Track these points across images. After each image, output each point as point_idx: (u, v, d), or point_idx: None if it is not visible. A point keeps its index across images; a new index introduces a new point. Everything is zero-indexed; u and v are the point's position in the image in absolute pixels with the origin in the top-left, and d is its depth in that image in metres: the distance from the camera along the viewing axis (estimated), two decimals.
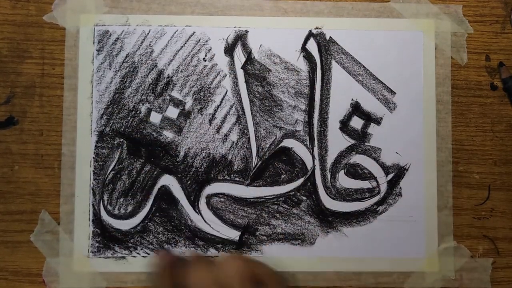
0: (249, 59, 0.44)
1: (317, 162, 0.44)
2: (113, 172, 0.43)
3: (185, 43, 0.44)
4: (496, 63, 0.45)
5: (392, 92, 0.45)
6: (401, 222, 0.44)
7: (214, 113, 0.44)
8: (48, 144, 0.44)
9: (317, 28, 0.45)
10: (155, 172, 0.44)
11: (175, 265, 0.38)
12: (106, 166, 0.43)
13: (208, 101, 0.44)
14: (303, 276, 0.43)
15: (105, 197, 0.43)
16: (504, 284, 0.44)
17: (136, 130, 0.44)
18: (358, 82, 0.45)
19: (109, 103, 0.44)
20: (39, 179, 0.43)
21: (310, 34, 0.45)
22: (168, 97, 0.44)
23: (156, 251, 0.43)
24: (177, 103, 0.44)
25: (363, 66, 0.45)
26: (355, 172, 0.44)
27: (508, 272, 0.44)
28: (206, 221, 0.43)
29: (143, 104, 0.44)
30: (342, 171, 0.44)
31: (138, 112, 0.44)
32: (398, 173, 0.44)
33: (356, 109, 0.44)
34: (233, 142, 0.44)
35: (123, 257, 0.43)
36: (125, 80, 0.44)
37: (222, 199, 0.44)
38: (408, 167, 0.44)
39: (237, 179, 0.44)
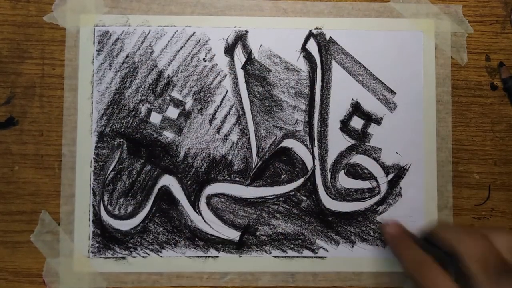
0: (249, 59, 0.44)
1: (317, 162, 0.44)
2: (113, 172, 0.43)
3: (185, 43, 0.44)
4: (496, 63, 0.45)
5: (392, 92, 0.45)
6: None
7: (214, 113, 0.44)
8: (48, 144, 0.44)
9: (317, 28, 0.45)
10: (155, 173, 0.44)
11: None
12: (106, 166, 0.43)
13: (208, 101, 0.44)
14: (303, 276, 0.43)
15: (105, 198, 0.43)
16: None
17: (136, 131, 0.44)
18: (358, 82, 0.45)
19: (109, 103, 0.44)
20: (39, 179, 0.43)
21: (310, 34, 0.45)
22: (168, 98, 0.44)
23: (383, 224, 0.42)
24: (177, 104, 0.44)
25: (363, 66, 0.45)
26: (355, 172, 0.44)
27: None
28: (206, 221, 0.43)
29: (143, 105, 0.44)
30: (342, 171, 0.44)
31: (138, 113, 0.44)
32: (398, 173, 0.44)
33: (356, 109, 0.44)
34: (233, 142, 0.44)
35: (123, 258, 0.43)
36: (125, 80, 0.44)
37: (222, 199, 0.44)
38: (408, 167, 0.44)
39: (237, 179, 0.44)
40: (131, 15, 0.44)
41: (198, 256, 0.43)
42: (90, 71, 0.44)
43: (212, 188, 0.44)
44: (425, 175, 0.44)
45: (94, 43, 0.44)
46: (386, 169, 0.44)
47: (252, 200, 0.44)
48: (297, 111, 0.44)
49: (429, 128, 0.44)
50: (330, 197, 0.44)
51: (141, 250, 0.43)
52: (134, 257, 0.43)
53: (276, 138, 0.44)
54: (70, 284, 0.43)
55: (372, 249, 0.44)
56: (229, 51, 0.44)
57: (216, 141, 0.44)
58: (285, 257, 0.43)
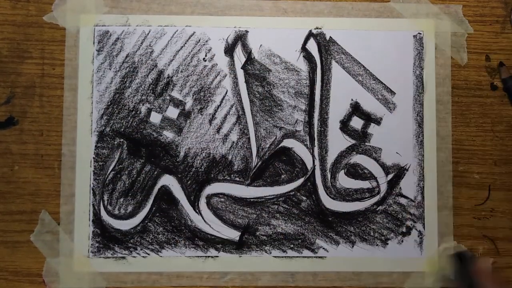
0: (249, 59, 0.44)
1: (317, 162, 0.44)
2: (113, 172, 0.43)
3: (185, 43, 0.44)
4: (496, 63, 0.45)
5: (392, 92, 0.45)
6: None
7: (214, 113, 0.44)
8: (48, 144, 0.44)
9: (317, 28, 0.45)
10: (155, 172, 0.44)
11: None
12: (106, 166, 0.43)
13: (208, 101, 0.44)
14: (303, 276, 0.43)
15: (105, 197, 0.43)
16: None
17: (136, 130, 0.44)
18: (358, 82, 0.45)
19: (109, 103, 0.44)
20: (39, 179, 0.43)
21: (310, 34, 0.45)
22: (168, 97, 0.44)
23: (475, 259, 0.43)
24: (177, 103, 0.44)
25: (363, 66, 0.45)
26: (355, 172, 0.44)
27: (508, 272, 0.44)
28: (206, 221, 0.43)
29: (143, 104, 0.44)
30: (342, 171, 0.44)
31: (138, 112, 0.44)
32: (398, 173, 0.44)
33: (356, 109, 0.44)
34: (233, 142, 0.44)
35: (123, 257, 0.43)
36: (125, 80, 0.44)
37: (222, 199, 0.44)
38: (408, 167, 0.44)
39: (237, 179, 0.44)
40: (131, 15, 0.44)
41: (198, 256, 0.43)
42: (90, 71, 0.44)
43: (212, 188, 0.44)
44: (425, 175, 0.44)
45: (94, 43, 0.44)
46: (386, 169, 0.44)
47: (252, 200, 0.44)
48: (297, 111, 0.44)
49: (429, 128, 0.44)
50: (330, 197, 0.44)
51: (141, 250, 0.43)
52: (134, 257, 0.43)
53: (276, 138, 0.44)
54: (70, 283, 0.43)
55: (372, 249, 0.44)
56: (229, 51, 0.44)
57: (216, 141, 0.44)
58: (285, 257, 0.43)
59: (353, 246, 0.44)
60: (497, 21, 0.45)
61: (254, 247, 0.43)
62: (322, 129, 0.44)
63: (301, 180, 0.44)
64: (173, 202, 0.44)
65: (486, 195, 0.44)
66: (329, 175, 0.44)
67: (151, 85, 0.44)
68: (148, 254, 0.43)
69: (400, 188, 0.44)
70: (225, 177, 0.44)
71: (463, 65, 0.45)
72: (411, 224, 0.44)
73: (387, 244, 0.44)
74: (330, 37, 0.45)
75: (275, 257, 0.43)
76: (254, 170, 0.44)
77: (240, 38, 0.44)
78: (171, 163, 0.44)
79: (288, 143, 0.44)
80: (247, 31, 0.44)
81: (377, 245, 0.44)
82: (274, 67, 0.44)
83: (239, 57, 0.44)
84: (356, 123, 0.44)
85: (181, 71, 0.44)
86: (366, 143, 0.44)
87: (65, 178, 0.43)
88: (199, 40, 0.44)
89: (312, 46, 0.45)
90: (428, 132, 0.44)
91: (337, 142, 0.44)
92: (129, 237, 0.43)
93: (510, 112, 0.45)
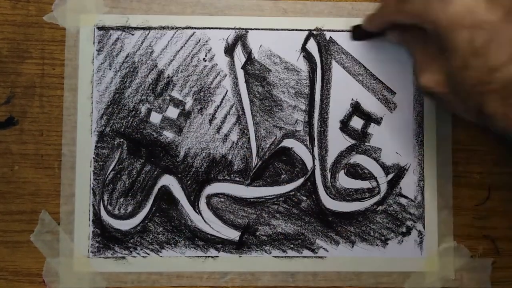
0: (249, 59, 0.44)
1: (317, 162, 0.44)
2: (113, 172, 0.43)
3: (185, 43, 0.44)
4: None
5: (392, 92, 0.45)
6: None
7: (214, 113, 0.44)
8: (48, 144, 0.44)
9: (317, 28, 0.45)
10: (155, 172, 0.44)
11: None
12: (106, 166, 0.43)
13: (208, 101, 0.44)
14: (303, 276, 0.43)
15: (105, 197, 0.43)
16: (504, 284, 0.44)
17: (136, 130, 0.44)
18: (358, 82, 0.45)
19: (109, 103, 0.44)
20: (39, 179, 0.43)
21: (310, 34, 0.45)
22: (168, 97, 0.44)
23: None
24: (177, 103, 0.44)
25: (363, 66, 0.45)
26: (355, 172, 0.44)
27: (508, 272, 0.44)
28: (206, 221, 0.43)
29: (143, 104, 0.44)
30: (342, 171, 0.44)
31: (138, 112, 0.44)
32: (398, 173, 0.44)
33: (356, 109, 0.44)
34: (233, 142, 0.44)
35: (123, 257, 0.43)
36: (125, 80, 0.44)
37: (222, 199, 0.44)
38: (408, 167, 0.44)
39: (237, 179, 0.44)
40: (131, 15, 0.44)
41: (198, 256, 0.43)
42: (90, 71, 0.44)
43: (212, 188, 0.44)
44: (425, 175, 0.44)
45: (94, 43, 0.44)
46: (386, 169, 0.44)
47: (252, 200, 0.44)
48: (297, 111, 0.44)
49: (429, 128, 0.44)
50: (330, 197, 0.44)
51: (141, 250, 0.43)
52: (134, 257, 0.43)
53: (276, 138, 0.44)
54: (70, 284, 0.43)
55: (372, 249, 0.44)
56: (229, 51, 0.44)
57: (216, 141, 0.44)
58: (285, 257, 0.43)
59: (353, 246, 0.44)
60: None
61: (254, 247, 0.43)
62: (322, 129, 0.44)
63: (301, 180, 0.44)
64: (173, 202, 0.44)
65: (486, 195, 0.44)
66: (329, 175, 0.44)
67: (151, 85, 0.44)
68: (148, 254, 0.43)
69: (400, 188, 0.44)
70: (225, 177, 0.44)
71: None
72: (411, 224, 0.44)
73: (387, 244, 0.44)
74: (330, 37, 0.45)
75: (275, 257, 0.43)
76: (254, 170, 0.44)
77: (240, 38, 0.44)
78: (171, 163, 0.44)
79: (288, 143, 0.44)
80: (247, 31, 0.44)
81: (377, 245, 0.44)
82: (274, 67, 0.44)
83: (239, 57, 0.44)
84: (356, 123, 0.44)
85: (181, 71, 0.44)
86: (366, 143, 0.44)
87: (65, 178, 0.43)
88: (199, 40, 0.44)
89: (312, 46, 0.45)
90: (428, 132, 0.44)
91: (337, 142, 0.44)
92: (129, 237, 0.43)
93: None
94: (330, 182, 0.44)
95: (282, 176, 0.44)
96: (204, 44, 0.44)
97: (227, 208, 0.44)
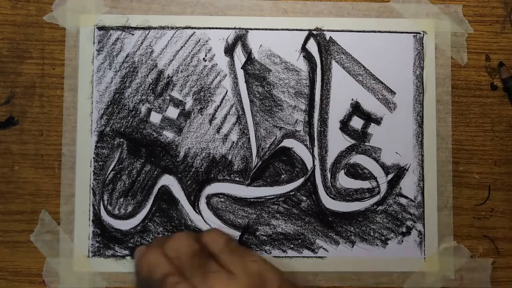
0: (249, 59, 0.44)
1: (317, 162, 0.44)
2: (113, 172, 0.43)
3: (185, 43, 0.44)
4: (496, 63, 0.45)
5: (392, 92, 0.45)
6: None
7: (214, 113, 0.44)
8: (48, 144, 0.44)
9: (317, 28, 0.45)
10: (155, 172, 0.44)
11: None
12: (106, 166, 0.43)
13: (208, 101, 0.44)
14: (303, 276, 0.43)
15: (105, 197, 0.43)
16: (504, 284, 0.44)
17: (136, 130, 0.44)
18: (358, 82, 0.45)
19: (109, 103, 0.44)
20: (39, 179, 0.43)
21: (310, 34, 0.45)
22: (168, 97, 0.44)
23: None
24: (177, 103, 0.44)
25: (363, 66, 0.45)
26: (355, 172, 0.44)
27: (508, 272, 0.44)
28: (206, 221, 0.43)
29: (143, 104, 0.44)
30: (342, 171, 0.44)
31: (138, 112, 0.44)
32: (398, 173, 0.44)
33: (356, 109, 0.44)
34: (233, 142, 0.44)
35: (123, 257, 0.43)
36: (125, 80, 0.44)
37: (222, 199, 0.44)
38: (408, 167, 0.44)
39: (237, 179, 0.44)
40: (131, 15, 0.44)
41: None
42: (90, 71, 0.44)
43: (212, 188, 0.44)
44: (425, 175, 0.44)
45: (94, 43, 0.44)
46: (386, 169, 0.44)
47: (252, 200, 0.44)
48: (297, 111, 0.44)
49: (429, 128, 0.44)
50: (330, 197, 0.44)
51: None
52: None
53: (276, 138, 0.44)
54: (70, 284, 0.43)
55: (372, 249, 0.44)
56: (229, 51, 0.44)
57: (216, 141, 0.44)
58: (285, 257, 0.43)
59: (353, 246, 0.44)
60: (497, 21, 0.45)
61: (254, 247, 0.43)
62: (322, 129, 0.44)
63: (301, 180, 0.44)
64: (173, 202, 0.44)
65: (486, 195, 0.44)
66: (329, 175, 0.44)
67: (151, 85, 0.44)
68: None
69: (400, 188, 0.44)
70: (225, 177, 0.44)
71: (463, 65, 0.45)
72: (411, 224, 0.44)
73: (387, 244, 0.44)
74: (330, 37, 0.45)
75: (275, 257, 0.43)
76: (254, 170, 0.44)
77: (240, 38, 0.44)
78: (171, 163, 0.44)
79: (288, 143, 0.44)
80: (247, 31, 0.44)
81: (377, 245, 0.44)
82: (274, 67, 0.44)
83: (239, 57, 0.44)
84: (356, 123, 0.44)
85: (181, 71, 0.44)
86: (366, 143, 0.44)
87: (65, 178, 0.43)
88: (199, 40, 0.44)
89: (312, 46, 0.45)
90: (428, 132, 0.44)
91: (337, 142, 0.44)
92: (129, 237, 0.43)
93: (510, 112, 0.45)
94: (330, 182, 0.44)
95: (282, 176, 0.44)
96: (204, 44, 0.44)
97: (227, 208, 0.44)
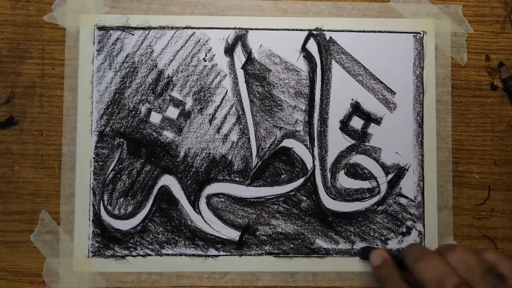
0: (249, 59, 0.44)
1: (317, 162, 0.44)
2: (113, 172, 0.43)
3: (185, 43, 0.44)
4: (496, 63, 0.45)
5: (392, 92, 0.45)
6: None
7: (214, 113, 0.44)
8: (48, 144, 0.44)
9: (317, 28, 0.45)
10: (155, 172, 0.44)
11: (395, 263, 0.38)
12: (106, 166, 0.43)
13: (208, 101, 0.44)
14: (303, 276, 0.43)
15: (105, 197, 0.43)
16: None
17: (136, 130, 0.44)
18: (358, 82, 0.45)
19: (109, 103, 0.44)
20: (39, 179, 0.43)
21: (310, 34, 0.45)
22: (168, 97, 0.44)
23: (374, 251, 0.41)
24: (177, 103, 0.44)
25: (363, 66, 0.45)
26: (355, 172, 0.44)
27: None
28: (206, 221, 0.43)
29: (143, 104, 0.44)
30: (342, 171, 0.44)
31: (138, 112, 0.44)
32: (398, 173, 0.44)
33: (356, 109, 0.44)
34: (233, 142, 0.44)
35: (123, 257, 0.43)
36: (125, 80, 0.44)
37: (222, 199, 0.44)
38: (408, 167, 0.44)
39: (237, 179, 0.44)
40: (131, 15, 0.44)
41: (198, 256, 0.43)
42: (90, 71, 0.44)
43: (212, 188, 0.44)
44: (425, 175, 0.44)
45: (94, 43, 0.44)
46: (386, 169, 0.44)
47: (252, 200, 0.44)
48: (297, 111, 0.44)
49: (429, 128, 0.44)
50: (330, 197, 0.44)
51: (141, 249, 0.43)
52: (134, 256, 0.43)
53: (276, 138, 0.44)
54: (70, 284, 0.43)
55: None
56: (229, 51, 0.44)
57: (216, 141, 0.44)
58: (285, 257, 0.43)
59: (353, 246, 0.44)
60: (497, 21, 0.45)
61: (254, 247, 0.43)
62: (322, 129, 0.44)
63: (301, 180, 0.44)
64: (173, 202, 0.44)
65: (486, 195, 0.44)
66: (329, 175, 0.44)
67: (151, 85, 0.44)
68: (148, 254, 0.43)
69: (400, 188, 0.44)
70: (225, 177, 0.44)
71: (463, 65, 0.45)
72: (411, 224, 0.44)
73: (387, 244, 0.44)
74: (330, 37, 0.45)
75: (275, 257, 0.43)
76: (254, 170, 0.44)
77: (240, 38, 0.44)
78: (171, 163, 0.44)
79: (288, 143, 0.44)
80: (247, 31, 0.44)
81: (377, 245, 0.44)
82: (274, 67, 0.44)
83: (239, 57, 0.44)
84: (356, 123, 0.44)
85: (181, 71, 0.44)
86: (366, 143, 0.44)
87: (65, 178, 0.43)
88: (199, 40, 0.44)
89: (312, 46, 0.45)
90: (428, 132, 0.44)
91: (337, 142, 0.44)
92: (129, 237, 0.43)
93: (510, 112, 0.45)
94: (330, 182, 0.44)
95: (282, 176, 0.44)
96: (204, 44, 0.44)
97: (227, 208, 0.44)
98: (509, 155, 0.45)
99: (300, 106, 0.44)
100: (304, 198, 0.44)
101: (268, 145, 0.44)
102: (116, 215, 0.43)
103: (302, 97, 0.44)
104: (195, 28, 0.44)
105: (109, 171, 0.43)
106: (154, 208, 0.43)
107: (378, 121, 0.44)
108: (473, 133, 0.45)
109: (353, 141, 0.44)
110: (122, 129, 0.44)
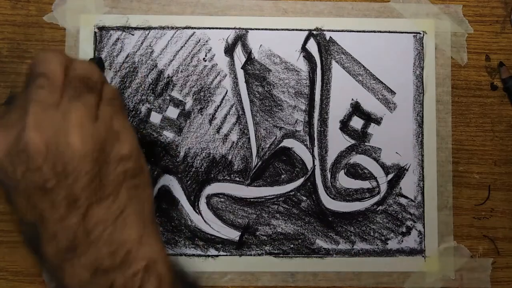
0: (249, 59, 0.44)
1: (317, 162, 0.44)
2: None
3: (185, 43, 0.44)
4: (496, 63, 0.45)
5: (392, 92, 0.45)
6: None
7: (214, 113, 0.44)
8: None
9: (317, 28, 0.45)
10: (155, 172, 0.44)
11: None
12: None
13: (208, 101, 0.44)
14: (303, 276, 0.43)
15: None
16: (504, 284, 0.44)
17: (136, 130, 0.44)
18: (358, 82, 0.45)
19: None
20: None
21: (310, 34, 0.45)
22: (168, 97, 0.44)
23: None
24: (177, 103, 0.44)
25: (363, 66, 0.45)
26: (355, 172, 0.44)
27: (508, 272, 0.44)
28: (206, 221, 0.43)
29: (143, 104, 0.44)
30: (342, 171, 0.44)
31: (138, 112, 0.44)
32: (398, 173, 0.44)
33: (356, 109, 0.44)
34: (233, 142, 0.44)
35: None
36: (125, 80, 0.44)
37: (222, 199, 0.44)
38: (408, 167, 0.44)
39: (237, 179, 0.44)
40: (131, 15, 0.44)
41: (198, 256, 0.43)
42: None
43: (212, 188, 0.44)
44: (425, 175, 0.44)
45: (94, 43, 0.44)
46: (386, 169, 0.44)
47: (252, 200, 0.44)
48: (297, 111, 0.44)
49: (429, 128, 0.44)
50: (330, 197, 0.44)
51: None
52: None
53: (276, 138, 0.44)
54: None
55: (372, 249, 0.44)
56: (229, 51, 0.44)
57: (216, 141, 0.44)
58: (285, 257, 0.43)
59: (353, 246, 0.44)
60: (497, 21, 0.45)
61: (254, 247, 0.43)
62: (322, 129, 0.44)
63: (301, 180, 0.44)
64: (173, 202, 0.44)
65: (486, 195, 0.44)
66: (329, 175, 0.44)
67: (151, 85, 0.44)
68: None
69: (400, 188, 0.44)
70: (225, 177, 0.44)
71: (463, 65, 0.45)
72: (411, 224, 0.44)
73: (387, 244, 0.44)
74: (330, 37, 0.45)
75: (275, 257, 0.43)
76: (254, 170, 0.44)
77: (240, 38, 0.44)
78: (171, 163, 0.44)
79: (288, 143, 0.44)
80: (247, 31, 0.44)
81: (377, 245, 0.44)
82: (274, 67, 0.44)
83: (239, 57, 0.44)
84: (356, 123, 0.44)
85: (181, 71, 0.44)
86: (366, 143, 0.44)
87: None
88: (199, 40, 0.44)
89: (312, 46, 0.45)
90: (428, 132, 0.44)
91: (337, 142, 0.44)
92: None
93: (510, 112, 0.45)
94: (330, 182, 0.44)
95: (282, 176, 0.44)
96: (204, 44, 0.44)
97: (227, 208, 0.44)
98: (509, 155, 0.45)
99: (300, 106, 0.44)
100: (304, 198, 0.44)
101: (268, 145, 0.44)
102: None
103: (302, 97, 0.44)
104: (195, 28, 0.44)
105: None
106: (154, 208, 0.43)
107: (378, 121, 0.44)
108: (473, 133, 0.45)
109: (353, 141, 0.44)
110: None
